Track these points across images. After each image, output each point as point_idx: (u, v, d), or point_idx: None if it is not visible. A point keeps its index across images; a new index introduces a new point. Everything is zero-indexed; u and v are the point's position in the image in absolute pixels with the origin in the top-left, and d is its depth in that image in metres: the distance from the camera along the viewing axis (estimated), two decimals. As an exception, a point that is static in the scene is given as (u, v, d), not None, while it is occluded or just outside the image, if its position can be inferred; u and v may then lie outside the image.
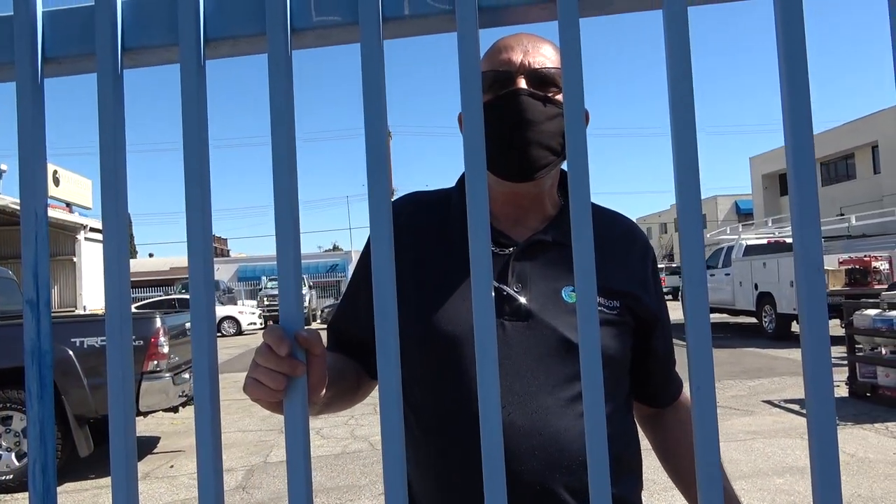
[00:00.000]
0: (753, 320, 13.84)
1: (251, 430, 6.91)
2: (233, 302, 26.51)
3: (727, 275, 14.19)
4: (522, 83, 0.98)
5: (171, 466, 5.78)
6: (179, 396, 5.78)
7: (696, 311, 0.55)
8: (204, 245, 0.65)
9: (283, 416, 0.66)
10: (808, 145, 0.55)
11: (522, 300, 0.98)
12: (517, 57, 0.99)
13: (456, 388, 0.95)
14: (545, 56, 1.00)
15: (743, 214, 38.84)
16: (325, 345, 1.14)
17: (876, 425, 6.00)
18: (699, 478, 0.55)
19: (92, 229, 18.08)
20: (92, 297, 17.75)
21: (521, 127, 0.97)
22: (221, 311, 20.64)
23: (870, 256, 12.06)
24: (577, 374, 0.83)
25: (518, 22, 0.64)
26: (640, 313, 1.03)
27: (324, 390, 0.80)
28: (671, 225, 49.94)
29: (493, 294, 0.59)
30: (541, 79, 0.99)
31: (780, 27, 0.55)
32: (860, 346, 7.22)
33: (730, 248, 14.63)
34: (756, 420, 6.43)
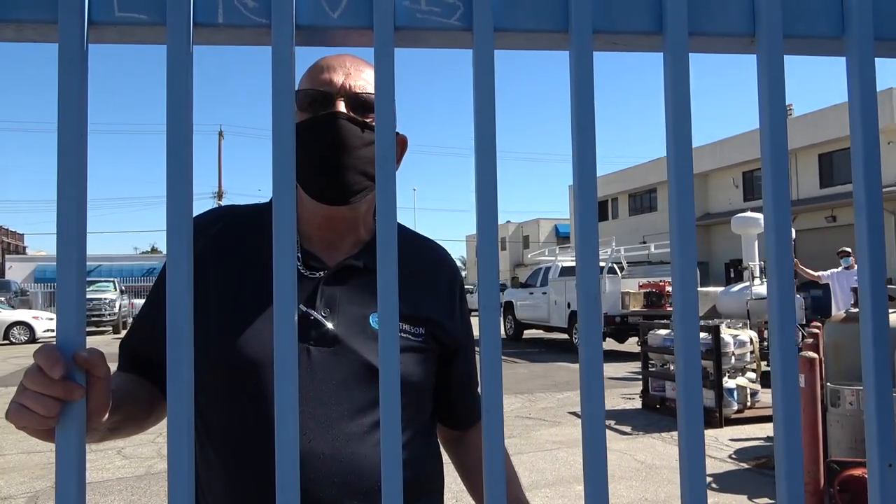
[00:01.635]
0: (566, 336, 14.89)
1: (36, 451, 6.18)
2: (27, 305, 23.69)
3: (544, 293, 15.14)
4: (341, 106, 0.97)
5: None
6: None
7: (488, 335, 0.58)
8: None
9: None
10: (591, 186, 0.60)
11: (329, 325, 0.97)
12: (338, 78, 0.98)
13: (255, 414, 0.92)
14: (367, 80, 0.99)
15: (562, 237, 41.72)
16: (118, 365, 1.05)
17: (663, 434, 6.69)
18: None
19: None
20: None
21: (336, 151, 0.95)
22: (12, 315, 18.36)
23: (664, 281, 13.49)
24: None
25: (336, 44, 0.64)
26: (444, 340, 1.06)
27: (107, 415, 0.74)
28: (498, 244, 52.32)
29: (299, 319, 0.59)
30: (361, 103, 0.98)
31: (573, 83, 0.60)
32: (653, 362, 8.03)
33: (547, 269, 15.64)
34: (562, 430, 6.90)
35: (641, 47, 0.63)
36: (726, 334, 7.37)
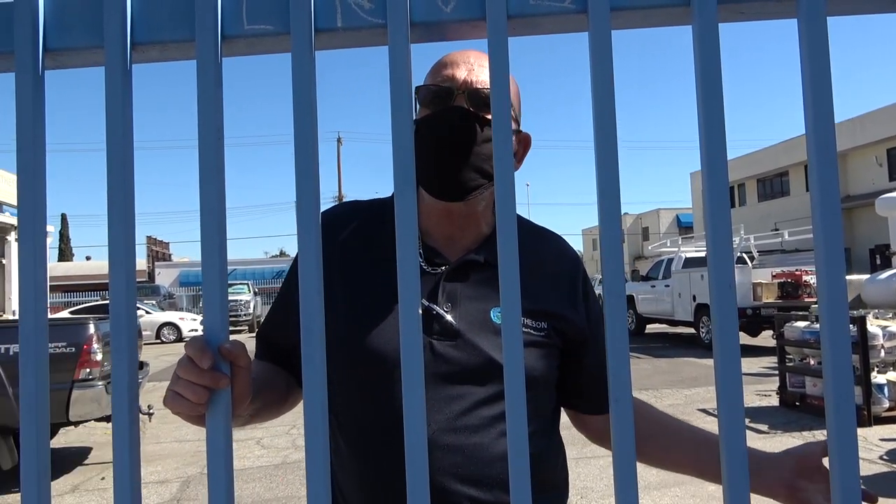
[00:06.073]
0: (692, 331, 14.24)
1: (188, 440, 6.72)
2: (174, 307, 25.81)
3: (667, 286, 14.55)
4: (462, 102, 0.96)
5: (103, 478, 5.57)
6: (113, 405, 5.57)
7: (614, 323, 0.57)
8: (127, 252, 0.63)
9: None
10: (722, 171, 0.57)
11: (451, 320, 0.98)
12: (460, 74, 0.98)
13: (382, 405, 0.95)
14: None
15: (684, 227, 39.89)
16: (255, 353, 1.12)
17: (804, 433, 6.24)
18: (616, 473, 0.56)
19: (24, 230, 17.26)
20: (22, 301, 16.95)
21: (454, 146, 0.95)
22: (161, 317, 20.08)
23: (801, 270, 12.57)
24: (501, 394, 0.85)
25: (451, 38, 0.65)
26: (568, 333, 1.04)
27: (249, 402, 0.79)
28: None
29: (422, 313, 0.60)
30: (483, 99, 0.96)
31: (697, 58, 0.57)
32: (790, 356, 7.51)
33: (670, 261, 15.01)
34: (692, 428, 6.60)
35: (772, 15, 0.59)
36: (874, 326, 6.77)
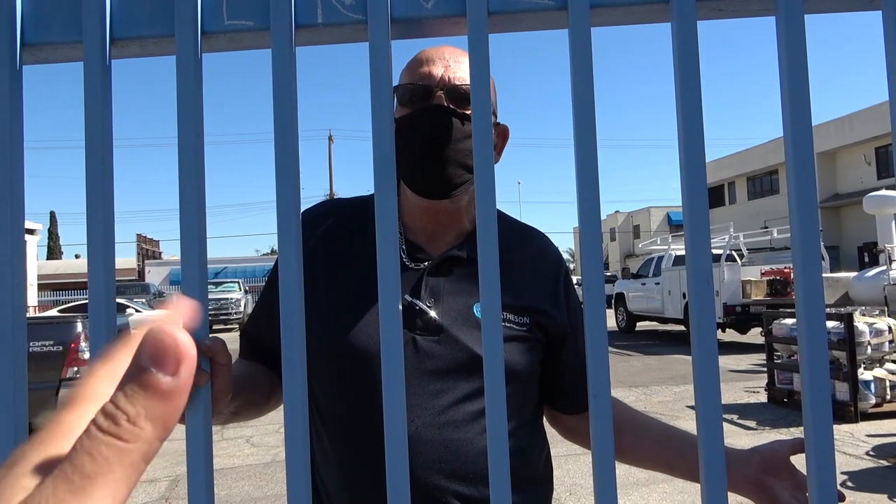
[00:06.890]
0: (682, 328, 14.30)
1: (177, 439, 6.66)
2: (164, 306, 25.62)
3: (657, 284, 14.61)
4: (441, 99, 0.97)
5: (91, 477, 5.54)
6: (101, 404, 5.54)
7: (593, 320, 0.57)
8: (105, 250, 0.63)
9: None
10: (700, 169, 0.57)
11: (435, 315, 0.98)
12: (437, 71, 0.98)
13: (366, 402, 0.95)
14: (467, 71, 0.99)
15: (674, 225, 40.03)
16: (239, 352, 1.12)
17: (791, 429, 6.29)
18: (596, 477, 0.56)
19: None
20: None
21: (435, 144, 0.95)
22: (151, 315, 19.98)
23: (789, 268, 12.65)
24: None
25: (431, 35, 0.65)
26: (550, 329, 1.04)
27: (229, 399, 0.78)
28: (607, 234, 50.91)
29: (405, 309, 0.60)
30: (461, 95, 0.97)
31: (676, 55, 0.58)
32: (779, 353, 7.56)
33: (660, 258, 15.07)
34: (680, 425, 6.59)
35: (750, 12, 0.59)
36: (861, 322, 6.83)
